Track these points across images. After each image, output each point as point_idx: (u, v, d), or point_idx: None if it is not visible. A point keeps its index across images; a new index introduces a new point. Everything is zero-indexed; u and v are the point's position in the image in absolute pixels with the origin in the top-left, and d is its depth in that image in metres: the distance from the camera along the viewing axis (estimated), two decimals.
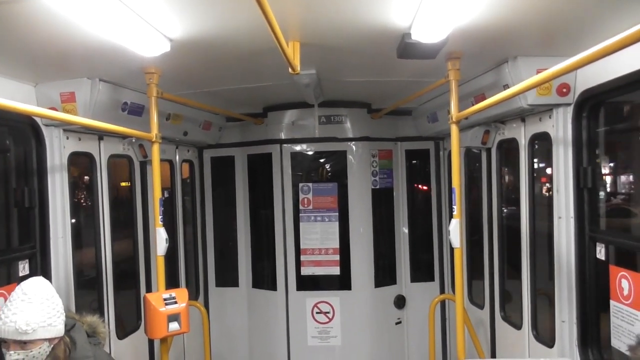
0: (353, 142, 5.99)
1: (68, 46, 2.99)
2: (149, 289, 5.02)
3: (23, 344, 2.62)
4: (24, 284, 2.71)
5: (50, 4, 2.29)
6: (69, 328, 2.85)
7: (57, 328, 2.71)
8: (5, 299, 3.41)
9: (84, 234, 4.62)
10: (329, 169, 6.17)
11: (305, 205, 6.01)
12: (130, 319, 4.93)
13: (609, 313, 3.29)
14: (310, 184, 6.02)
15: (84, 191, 4.80)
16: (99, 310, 4.41)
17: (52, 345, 2.71)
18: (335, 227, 5.99)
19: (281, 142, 6.01)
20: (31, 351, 2.63)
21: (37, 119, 3.73)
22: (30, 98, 3.74)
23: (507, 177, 4.84)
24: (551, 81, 3.49)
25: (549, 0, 2.55)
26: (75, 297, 4.04)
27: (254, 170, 6.27)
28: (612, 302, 3.25)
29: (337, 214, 6.00)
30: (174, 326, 3.82)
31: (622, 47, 1.76)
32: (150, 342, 5.03)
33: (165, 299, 3.84)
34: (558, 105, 3.62)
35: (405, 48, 3.10)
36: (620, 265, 3.22)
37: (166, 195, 5.72)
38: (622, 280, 3.13)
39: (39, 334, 2.63)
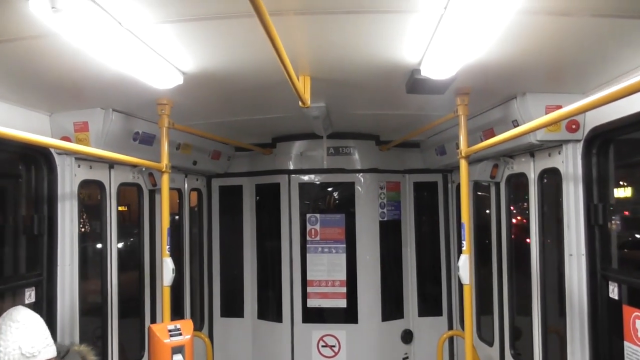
0: (361, 174, 6.00)
1: (83, 78, 3.06)
2: (153, 319, 4.98)
3: None
4: (7, 315, 2.70)
5: (69, 40, 2.35)
6: (62, 354, 2.88)
7: (53, 348, 2.77)
8: None
9: (90, 262, 4.61)
10: (336, 200, 6.16)
11: (313, 236, 5.98)
12: (133, 349, 4.87)
13: (623, 354, 3.20)
14: (317, 215, 6.01)
15: (93, 219, 4.80)
16: (102, 339, 4.37)
17: None
18: (342, 258, 5.94)
19: (289, 172, 6.02)
20: None
21: (51, 147, 3.77)
22: (44, 127, 3.80)
23: (516, 212, 4.81)
24: None
25: (556, 38, 2.58)
26: (80, 326, 4.01)
27: (261, 200, 6.28)
28: (626, 343, 3.17)
29: (344, 245, 5.96)
30: (177, 358, 3.77)
31: (631, 93, 1.77)
32: None
33: (170, 330, 3.79)
34: (567, 142, 3.62)
35: (415, 83, 3.13)
36: (634, 305, 3.14)
37: (175, 221, 5.73)
38: (637, 321, 3.06)
39: (43, 354, 2.68)
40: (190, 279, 5.95)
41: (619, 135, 3.36)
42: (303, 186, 6.04)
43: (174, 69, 2.90)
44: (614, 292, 3.32)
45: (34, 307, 3.70)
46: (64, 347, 2.94)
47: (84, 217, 4.73)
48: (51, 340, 2.77)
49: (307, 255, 5.97)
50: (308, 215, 6.00)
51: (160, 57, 2.69)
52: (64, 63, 2.73)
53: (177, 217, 5.78)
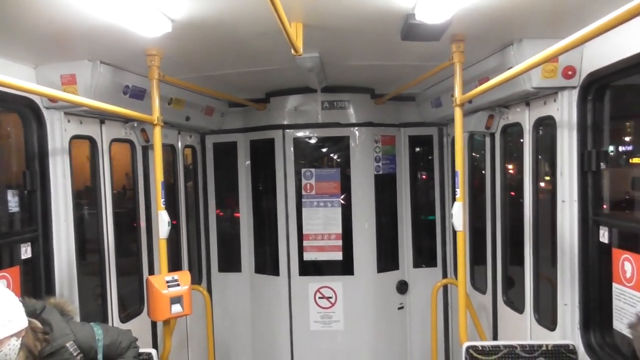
0: (356, 128, 5.96)
1: (68, 26, 2.96)
2: (152, 274, 5.03)
3: None
4: None
5: None
6: (39, 311, 2.77)
7: (19, 321, 2.58)
8: (8, 282, 3.43)
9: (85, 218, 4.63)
10: (331, 155, 6.16)
11: (308, 191, 6.00)
12: (133, 303, 4.95)
13: (612, 296, 3.28)
14: (312, 170, 6.01)
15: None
16: (102, 295, 4.43)
17: (19, 339, 2.59)
18: (337, 212, 5.98)
19: (284, 127, 5.98)
20: (1, 351, 2.48)
21: (38, 102, 3.71)
22: (30, 80, 3.70)
23: (510, 162, 4.81)
24: (556, 64, 3.46)
25: None
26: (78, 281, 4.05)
27: (256, 156, 6.26)
28: (614, 285, 3.24)
29: (339, 199, 5.99)
30: (176, 308, 3.84)
31: (631, 17, 1.75)
32: (154, 325, 5.06)
33: (167, 282, 3.85)
34: (563, 88, 3.59)
35: (409, 29, 3.07)
36: (623, 248, 3.21)
37: (170, 178, 5.72)
38: (625, 263, 3.12)
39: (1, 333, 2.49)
40: (187, 236, 5.99)
41: (615, 81, 3.33)
42: (298, 141, 6.01)
43: (162, 15, 2.82)
44: (604, 236, 3.38)
45: (31, 262, 3.74)
46: (39, 304, 2.80)
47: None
48: (15, 314, 2.55)
49: (303, 209, 5.99)
50: (303, 170, 6.00)
51: (147, 1, 2.61)
52: (46, 9, 2.63)
53: (171, 174, 5.77)
